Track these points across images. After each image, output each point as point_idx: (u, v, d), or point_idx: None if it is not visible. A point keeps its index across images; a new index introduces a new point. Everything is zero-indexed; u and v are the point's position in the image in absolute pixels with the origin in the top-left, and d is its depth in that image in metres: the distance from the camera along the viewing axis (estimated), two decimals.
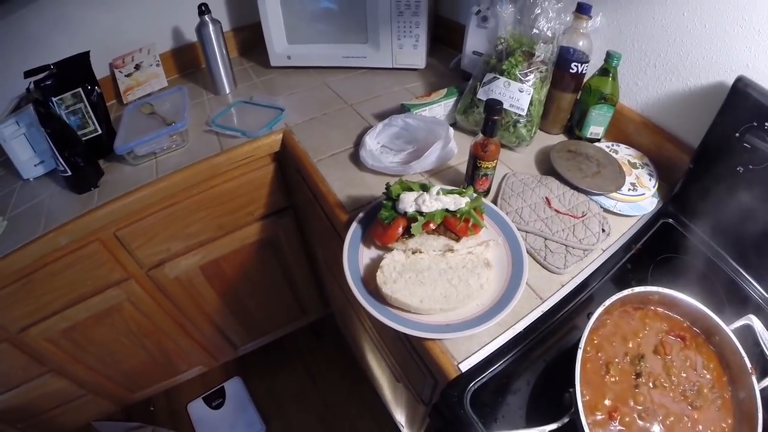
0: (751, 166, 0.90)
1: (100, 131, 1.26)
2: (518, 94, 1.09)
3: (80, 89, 1.22)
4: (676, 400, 0.71)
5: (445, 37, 1.54)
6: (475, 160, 0.96)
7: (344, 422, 1.85)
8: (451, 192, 0.90)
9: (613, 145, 1.20)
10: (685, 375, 0.74)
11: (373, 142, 1.12)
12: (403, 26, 1.36)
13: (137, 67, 1.43)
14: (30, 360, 1.29)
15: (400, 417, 1.44)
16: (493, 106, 0.90)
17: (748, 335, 0.76)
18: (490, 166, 0.96)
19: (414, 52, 1.40)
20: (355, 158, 1.12)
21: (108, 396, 1.62)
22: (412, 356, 0.96)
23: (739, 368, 0.72)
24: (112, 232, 1.19)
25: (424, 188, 0.90)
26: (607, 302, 0.76)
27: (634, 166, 1.14)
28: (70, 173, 1.12)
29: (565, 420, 0.67)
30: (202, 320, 1.61)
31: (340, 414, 1.88)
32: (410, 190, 0.90)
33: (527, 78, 1.10)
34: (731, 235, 0.98)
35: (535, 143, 1.19)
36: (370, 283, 0.85)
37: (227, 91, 1.45)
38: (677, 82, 1.06)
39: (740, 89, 0.90)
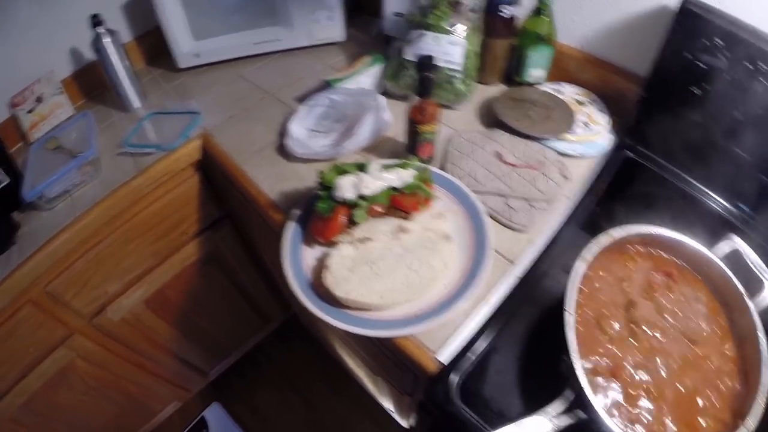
0: (706, 86, 0.87)
1: (7, 181, 1.10)
2: (450, 48, 1.00)
3: None
4: (675, 340, 0.67)
5: (363, 4, 1.43)
6: (414, 126, 0.86)
7: (333, 420, 1.80)
8: (393, 167, 0.80)
9: (556, 86, 1.13)
10: (680, 312, 0.70)
11: (298, 128, 1.00)
12: None
13: (39, 99, 1.27)
14: None
15: (388, 405, 1.37)
16: (426, 62, 0.80)
17: (732, 257, 0.74)
18: (431, 129, 0.86)
19: (330, 25, 1.28)
20: (283, 150, 1.01)
21: None
22: (386, 355, 0.86)
23: (731, 293, 0.70)
24: (41, 288, 1.05)
25: (362, 168, 0.80)
26: (587, 254, 0.70)
27: (582, 104, 1.08)
28: None
29: (571, 398, 0.60)
30: (162, 355, 1.49)
31: (328, 413, 1.82)
32: (346, 173, 0.79)
33: (456, 29, 1.00)
34: (696, 159, 0.94)
35: (475, 97, 1.10)
36: (320, 286, 0.75)
37: (137, 105, 1.30)
38: (615, 12, 1.00)
39: (690, 10, 0.85)
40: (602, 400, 0.60)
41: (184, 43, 1.30)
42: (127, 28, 1.39)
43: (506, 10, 1.04)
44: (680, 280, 0.74)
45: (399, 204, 0.77)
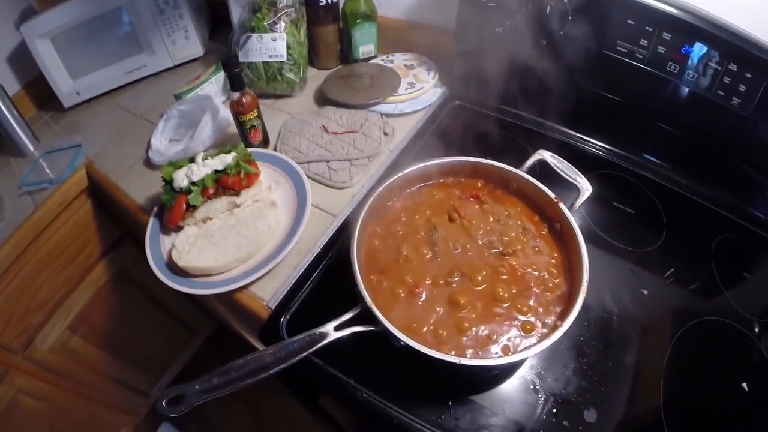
0: (507, 22, 0.97)
1: None
2: (272, 44, 1.12)
3: None
4: (485, 254, 0.75)
5: (223, 17, 1.55)
6: (238, 117, 0.99)
7: (278, 416, 1.86)
8: (217, 154, 0.92)
9: (388, 57, 1.26)
10: (488, 229, 0.78)
11: (158, 140, 1.12)
12: (168, 23, 1.36)
13: None
14: None
15: None
16: (227, 63, 0.93)
17: (543, 169, 0.79)
18: (252, 116, 0.99)
19: (188, 44, 1.41)
20: (149, 162, 1.13)
21: None
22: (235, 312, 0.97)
23: (545, 202, 0.76)
24: None
25: (192, 160, 0.92)
26: (378, 190, 0.77)
27: (411, 67, 1.21)
28: None
29: (357, 311, 0.67)
30: (100, 381, 1.56)
31: (271, 410, 1.88)
32: (180, 167, 0.91)
33: (276, 26, 1.13)
34: (511, 88, 1.03)
35: (314, 82, 1.23)
36: (173, 264, 0.87)
37: (31, 149, 1.40)
38: None
39: None
40: (394, 312, 0.67)
41: (64, 83, 1.40)
42: (14, 79, 1.49)
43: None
44: (489, 201, 0.82)
45: (225, 183, 0.90)
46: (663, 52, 0.84)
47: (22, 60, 1.45)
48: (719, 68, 0.79)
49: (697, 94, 0.83)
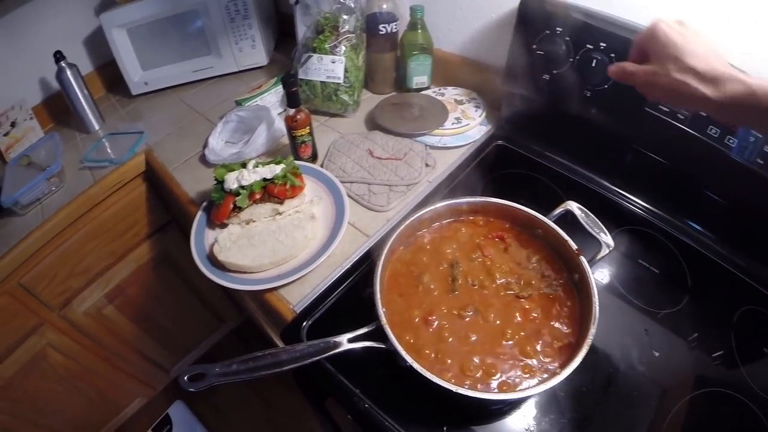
0: (554, 71, 1.00)
1: None
2: (331, 65, 1.20)
3: None
4: (501, 294, 0.77)
5: (289, 31, 1.64)
6: (291, 132, 1.06)
7: (287, 414, 1.92)
8: (267, 163, 1.00)
9: (440, 89, 1.31)
10: (508, 270, 0.81)
11: (215, 140, 1.21)
12: (237, 31, 1.46)
13: (13, 124, 1.50)
14: None
15: None
16: (286, 80, 1.00)
17: (571, 219, 0.81)
18: (304, 133, 1.06)
19: (254, 52, 1.50)
20: (204, 159, 1.22)
21: None
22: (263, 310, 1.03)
23: (567, 252, 0.77)
24: (16, 282, 1.25)
25: (244, 166, 1.00)
26: (402, 226, 0.81)
27: (460, 102, 1.26)
28: None
29: (372, 328, 0.71)
30: (126, 350, 1.66)
31: (283, 408, 1.94)
32: (232, 170, 0.99)
33: (337, 49, 1.20)
34: (554, 135, 1.09)
35: (367, 105, 1.30)
36: (213, 257, 0.94)
37: (96, 127, 1.52)
38: (483, 18, 1.17)
39: (527, 4, 0.99)
40: (406, 335, 0.71)
41: (134, 72, 1.52)
42: (89, 61, 1.63)
43: (384, 28, 1.23)
44: (513, 243, 0.85)
45: (271, 191, 0.98)
46: (704, 115, 0.83)
47: (98, 44, 1.59)
48: (760, 136, 0.78)
49: (736, 162, 0.82)
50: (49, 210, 1.27)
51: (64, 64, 1.41)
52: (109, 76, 1.66)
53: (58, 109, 1.58)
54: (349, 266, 0.94)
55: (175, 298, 1.70)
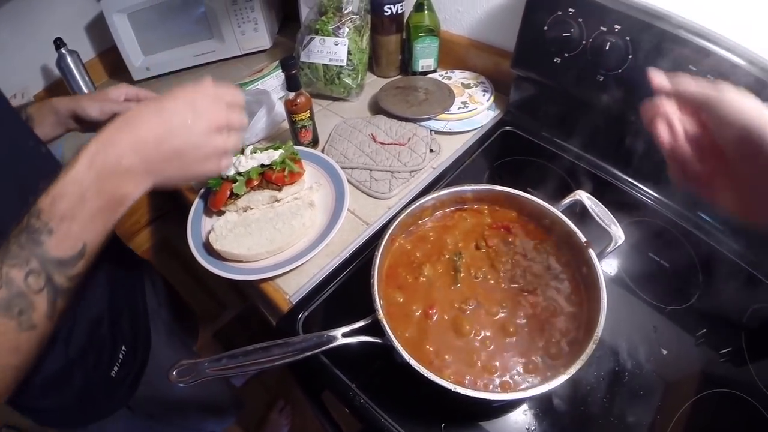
0: (566, 54, 0.96)
1: None
2: (334, 48, 1.16)
3: None
4: (504, 287, 0.74)
5: (293, 13, 1.60)
6: (291, 116, 1.03)
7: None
8: (266, 149, 0.97)
9: (447, 73, 1.27)
10: (513, 262, 0.78)
11: None
12: (240, 14, 1.42)
13: None
14: None
15: None
16: (285, 63, 0.97)
17: (580, 211, 0.77)
18: (304, 117, 1.03)
19: (256, 35, 1.47)
20: None
21: None
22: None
23: (575, 245, 0.74)
24: None
25: (242, 152, 0.97)
26: (402, 215, 0.77)
27: (467, 86, 1.22)
28: None
29: (369, 320, 0.67)
30: None
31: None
32: None
33: (340, 31, 1.16)
34: (564, 121, 1.05)
35: (372, 89, 1.26)
36: (209, 245, 0.92)
37: None
38: None
39: None
40: (405, 329, 0.68)
41: (136, 58, 1.50)
42: (90, 46, 1.61)
43: (389, 9, 1.19)
44: (521, 234, 0.81)
45: (269, 177, 0.95)
46: None
47: (99, 30, 1.56)
48: None
49: None
50: None
51: (64, 51, 1.39)
52: (111, 62, 1.63)
53: (60, 96, 1.55)
54: (348, 255, 0.91)
55: (176, 284, 1.69)
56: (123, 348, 0.84)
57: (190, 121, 0.55)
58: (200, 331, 1.83)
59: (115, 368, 0.81)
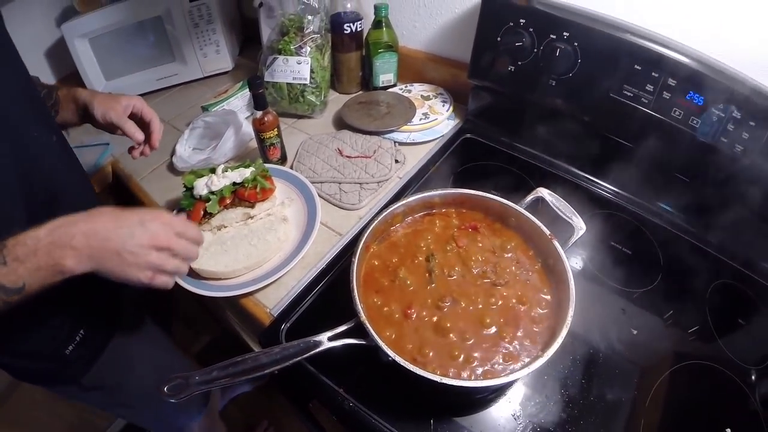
0: (519, 62, 1.01)
1: None
2: (297, 66, 1.19)
3: None
4: (478, 283, 0.78)
5: (254, 35, 1.63)
6: (259, 134, 1.05)
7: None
8: (237, 167, 0.98)
9: (407, 86, 1.31)
10: (483, 259, 0.81)
11: (182, 148, 1.19)
12: (201, 36, 1.44)
13: None
14: None
15: None
16: (252, 82, 0.99)
17: (543, 207, 0.81)
18: (272, 135, 1.05)
19: (218, 57, 1.48)
20: (172, 167, 1.19)
21: None
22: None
23: (540, 238, 0.78)
24: None
25: (213, 171, 0.98)
26: (374, 222, 0.80)
27: (427, 98, 1.26)
28: None
29: (351, 325, 0.70)
30: None
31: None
32: (201, 176, 0.97)
33: (302, 50, 1.19)
34: (521, 126, 1.10)
35: (335, 105, 1.29)
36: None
37: None
38: (447, 13, 1.19)
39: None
40: (386, 330, 0.71)
41: (97, 83, 1.48)
42: (51, 72, 1.58)
43: (349, 27, 1.23)
44: (487, 233, 0.85)
45: (241, 195, 0.96)
46: (668, 98, 0.85)
47: (59, 55, 1.53)
48: (723, 115, 0.80)
49: (701, 142, 0.84)
50: None
51: None
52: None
53: None
54: (323, 266, 0.93)
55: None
56: (81, 331, 0.87)
57: (137, 233, 0.64)
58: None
59: (70, 348, 0.86)
